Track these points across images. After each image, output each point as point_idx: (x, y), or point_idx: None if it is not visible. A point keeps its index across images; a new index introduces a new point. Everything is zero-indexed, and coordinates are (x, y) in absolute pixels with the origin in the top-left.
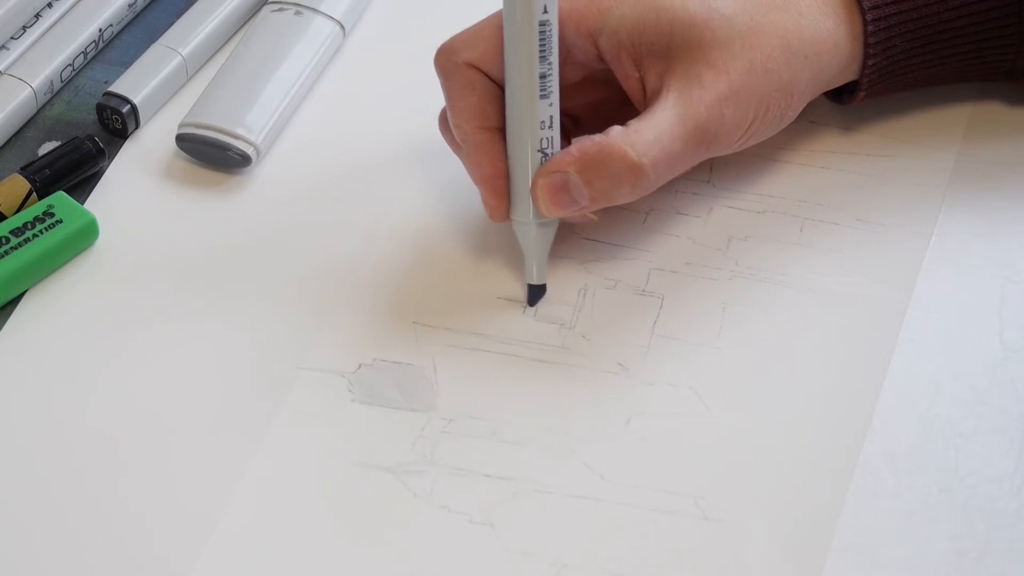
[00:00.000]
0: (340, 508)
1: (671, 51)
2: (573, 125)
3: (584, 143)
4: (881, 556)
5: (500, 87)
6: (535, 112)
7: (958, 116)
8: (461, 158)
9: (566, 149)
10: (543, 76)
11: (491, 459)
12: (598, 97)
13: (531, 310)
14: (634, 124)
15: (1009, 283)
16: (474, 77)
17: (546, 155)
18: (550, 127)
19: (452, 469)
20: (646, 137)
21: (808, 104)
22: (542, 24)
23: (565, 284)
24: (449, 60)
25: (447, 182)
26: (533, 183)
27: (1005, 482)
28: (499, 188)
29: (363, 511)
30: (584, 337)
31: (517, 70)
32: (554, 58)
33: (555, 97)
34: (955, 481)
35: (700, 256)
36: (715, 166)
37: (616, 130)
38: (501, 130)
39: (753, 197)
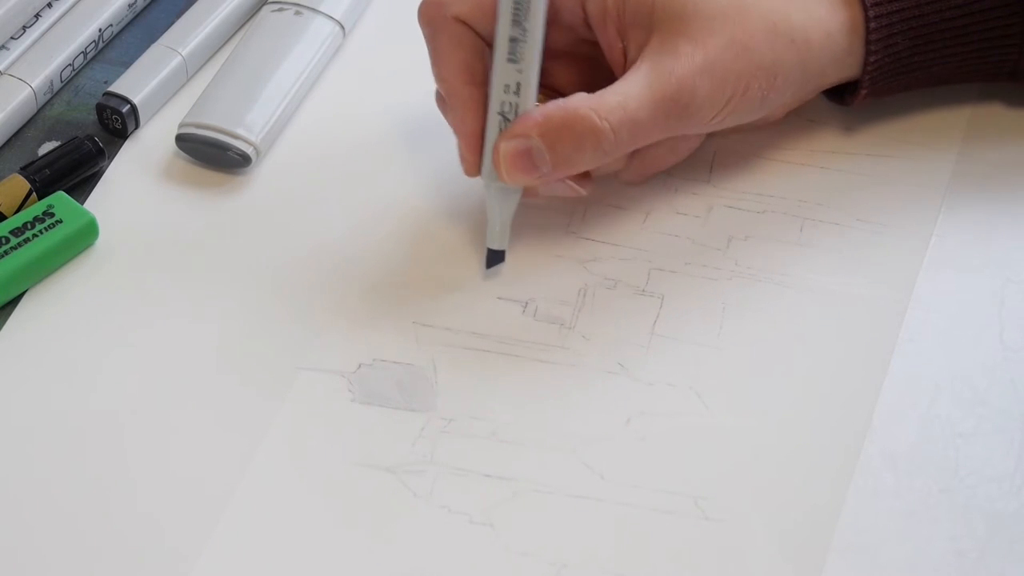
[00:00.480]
0: (340, 508)
1: (653, 22)
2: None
3: (548, 107)
4: (881, 556)
5: (488, 44)
6: (502, 74)
7: (958, 116)
8: (445, 114)
9: (527, 113)
10: (513, 40)
11: (491, 459)
12: (587, 77)
13: (530, 310)
14: (601, 91)
15: (1009, 283)
16: (461, 32)
17: (507, 120)
18: (515, 93)
19: (452, 469)
20: (610, 102)
21: (808, 104)
22: None
23: (565, 284)
24: (437, 13)
25: (447, 182)
26: (495, 148)
27: (1005, 482)
28: (476, 145)
29: (363, 511)
30: (584, 337)
31: (498, 31)
32: (533, 27)
33: (527, 65)
34: (955, 481)
35: (700, 256)
36: (715, 166)
37: (581, 95)
38: (485, 85)
39: (753, 197)
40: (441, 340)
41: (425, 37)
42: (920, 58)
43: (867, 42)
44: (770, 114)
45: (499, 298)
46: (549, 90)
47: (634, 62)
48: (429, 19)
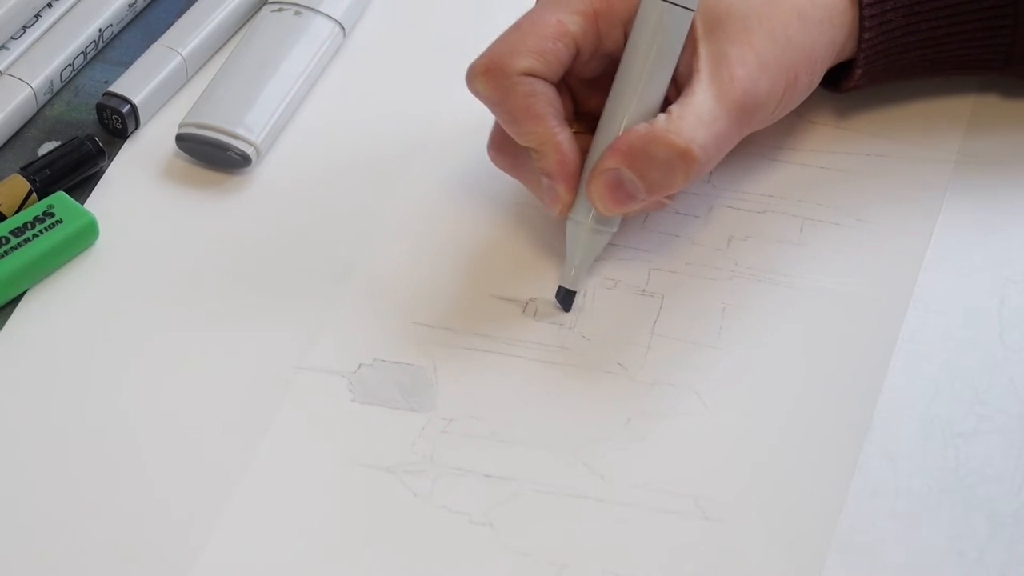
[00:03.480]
0: (340, 508)
1: (694, 35)
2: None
3: (628, 136)
4: (881, 556)
5: (557, 88)
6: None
7: (958, 116)
8: (534, 162)
9: (611, 145)
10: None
11: (491, 459)
12: None
13: (530, 310)
14: (675, 110)
15: (1009, 283)
16: (534, 85)
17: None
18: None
19: (452, 469)
20: (689, 121)
21: (807, 103)
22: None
23: None
24: (502, 75)
25: (447, 182)
26: (588, 185)
27: (1005, 482)
28: (575, 185)
29: (363, 511)
30: (584, 337)
31: (643, 74)
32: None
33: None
34: (955, 481)
35: (700, 256)
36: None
37: (659, 118)
38: (572, 126)
39: (753, 197)
40: (441, 340)
41: (491, 102)
42: (914, 37)
43: (861, 17)
44: None
45: (499, 298)
46: (591, 117)
47: (684, 75)
48: (495, 83)
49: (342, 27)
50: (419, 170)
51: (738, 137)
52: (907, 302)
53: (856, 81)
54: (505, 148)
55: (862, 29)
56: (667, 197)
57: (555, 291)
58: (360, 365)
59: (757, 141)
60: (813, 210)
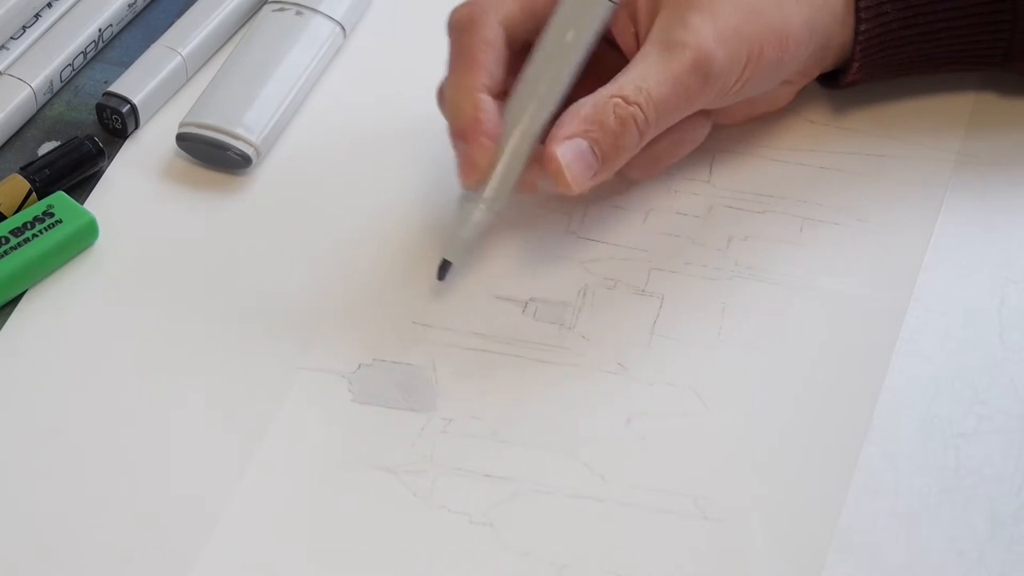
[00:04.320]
0: (340, 508)
1: (660, 2)
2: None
3: (576, 107)
4: (881, 556)
5: (514, 54)
6: (559, 94)
7: (958, 116)
8: (448, 114)
9: (566, 116)
10: (562, 51)
11: (491, 459)
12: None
13: (530, 310)
14: (623, 74)
15: (1009, 283)
16: (496, 37)
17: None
18: (545, 106)
19: (452, 469)
20: (632, 85)
21: (807, 103)
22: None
23: (565, 284)
24: (479, 11)
25: (447, 182)
26: (549, 157)
27: (1005, 482)
28: (491, 147)
29: (363, 511)
30: (584, 337)
31: (560, 48)
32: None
33: (566, 80)
34: (955, 481)
35: (700, 256)
36: (715, 166)
37: (602, 89)
38: (501, 98)
39: (753, 197)
40: (441, 340)
41: (453, 32)
42: (911, 31)
43: (857, 9)
44: (781, 95)
45: (499, 298)
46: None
47: (643, 39)
48: (468, 15)
49: (342, 27)
50: (419, 170)
51: (687, 104)
52: (907, 302)
53: (853, 75)
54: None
55: (858, 21)
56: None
57: (439, 266)
58: (360, 365)
59: (757, 141)
60: (813, 210)
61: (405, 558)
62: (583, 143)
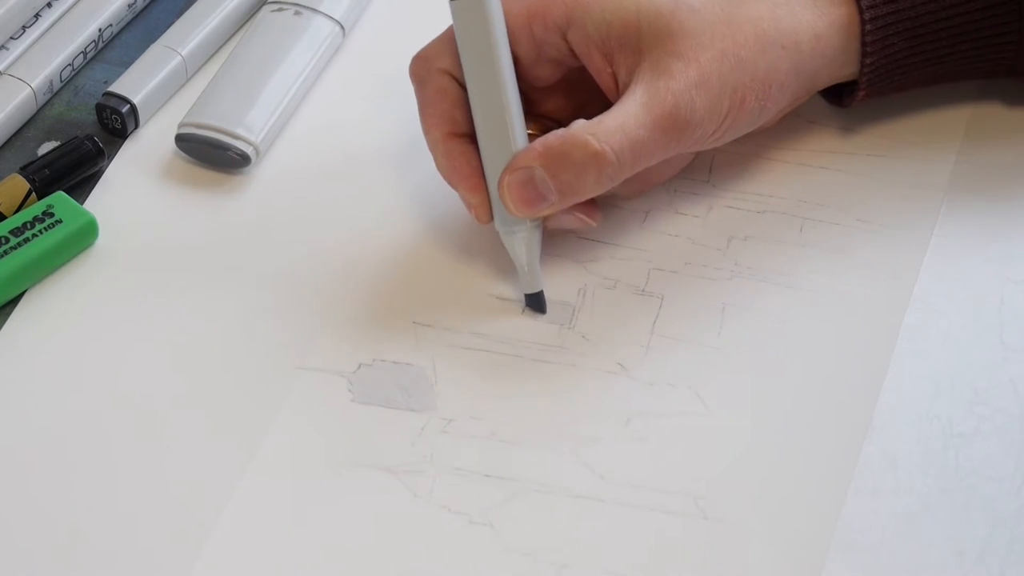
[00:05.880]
0: (340, 508)
1: (640, 44)
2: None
3: (547, 137)
4: (881, 556)
5: None
6: (484, 119)
7: (958, 116)
8: (437, 166)
9: (529, 146)
10: (481, 84)
11: (491, 459)
12: (580, 100)
13: (530, 310)
14: (599, 116)
15: (1009, 283)
16: (446, 84)
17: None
18: (503, 134)
19: (452, 469)
20: (609, 126)
21: (807, 104)
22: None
23: (565, 284)
24: (423, 67)
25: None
26: (499, 182)
27: (1005, 482)
28: (477, 185)
29: (363, 511)
30: (584, 337)
31: (466, 77)
32: (497, 69)
33: (505, 106)
34: (955, 481)
35: (700, 256)
36: (715, 166)
37: (579, 122)
38: (471, 136)
39: (753, 197)
40: (441, 340)
41: (415, 90)
42: (917, 58)
43: (863, 44)
44: (766, 121)
45: (499, 298)
46: (548, 120)
47: (627, 85)
48: (415, 72)
49: (342, 27)
50: (419, 169)
51: (663, 151)
52: (907, 302)
53: (859, 100)
54: None
55: (864, 55)
56: (588, 215)
57: (524, 301)
58: (360, 365)
59: (757, 141)
60: (813, 210)
61: (405, 558)
62: (533, 173)
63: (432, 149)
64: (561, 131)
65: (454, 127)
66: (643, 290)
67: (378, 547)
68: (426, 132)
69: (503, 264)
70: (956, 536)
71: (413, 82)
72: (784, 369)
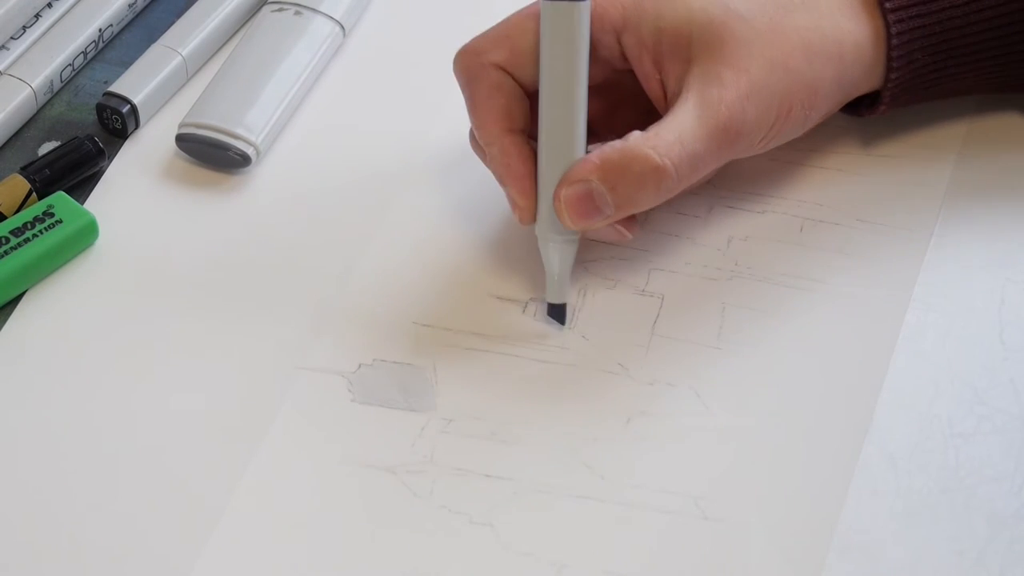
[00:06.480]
0: (340, 508)
1: (691, 53)
2: (589, 135)
3: (604, 149)
4: (881, 556)
5: (526, 90)
6: (550, 120)
7: (959, 116)
8: (487, 163)
9: (586, 157)
10: (558, 84)
11: (491, 459)
12: (614, 101)
13: (530, 310)
14: (654, 127)
15: (1009, 283)
16: (501, 79)
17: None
18: (566, 139)
19: (452, 469)
20: (667, 138)
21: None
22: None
23: None
24: (474, 61)
25: (447, 182)
26: (555, 195)
27: (1005, 482)
28: (528, 188)
29: (363, 511)
30: (584, 337)
31: (542, 76)
32: (578, 71)
33: (576, 110)
34: (955, 481)
35: (700, 256)
36: None
37: (636, 134)
38: (527, 133)
39: (753, 197)
40: (441, 340)
41: (461, 85)
42: (941, 74)
43: (888, 59)
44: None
45: (499, 298)
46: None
47: (675, 93)
48: (466, 67)
49: (342, 27)
50: (419, 169)
51: (716, 162)
52: (907, 302)
53: (880, 113)
54: (476, 141)
55: (889, 69)
56: (628, 227)
57: (545, 309)
58: (360, 365)
59: None
60: (813, 210)
61: (405, 558)
62: (591, 187)
63: (486, 144)
64: (618, 143)
65: (511, 123)
66: (643, 290)
67: (378, 547)
68: (479, 127)
69: (503, 264)
70: (956, 536)
71: (461, 76)
72: (784, 369)
